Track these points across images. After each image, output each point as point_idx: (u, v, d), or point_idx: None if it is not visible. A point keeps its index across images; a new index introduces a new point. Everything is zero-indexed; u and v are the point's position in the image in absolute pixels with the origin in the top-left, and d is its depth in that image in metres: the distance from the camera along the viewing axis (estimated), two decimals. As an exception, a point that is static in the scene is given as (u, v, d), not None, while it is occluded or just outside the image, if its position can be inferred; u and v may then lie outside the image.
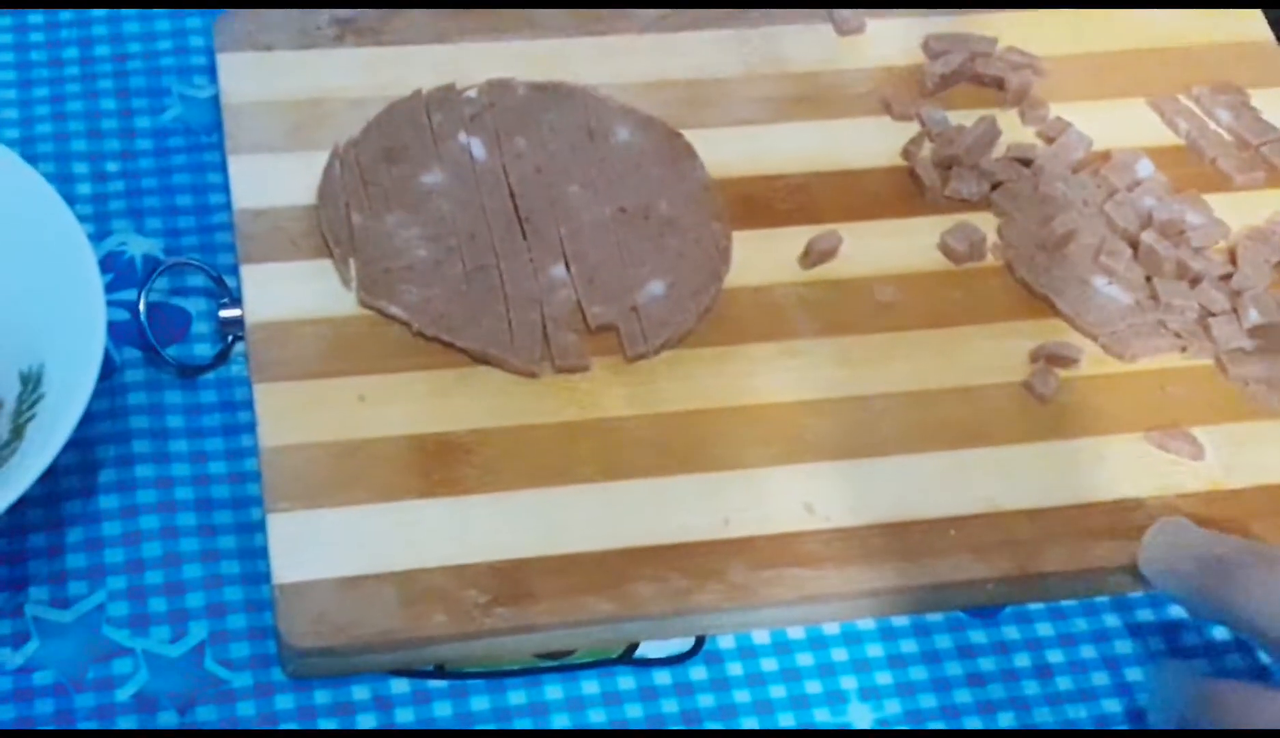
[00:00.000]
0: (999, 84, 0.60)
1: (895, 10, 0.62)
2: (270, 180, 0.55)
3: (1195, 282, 0.55)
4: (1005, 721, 0.49)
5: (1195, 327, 0.54)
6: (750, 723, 0.48)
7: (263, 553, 0.49)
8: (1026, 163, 0.58)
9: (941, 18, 0.62)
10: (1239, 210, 0.58)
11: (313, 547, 0.48)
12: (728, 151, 0.58)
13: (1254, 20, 0.63)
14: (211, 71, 0.59)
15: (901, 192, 0.58)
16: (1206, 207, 0.57)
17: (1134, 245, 0.56)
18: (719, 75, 0.60)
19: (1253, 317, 0.54)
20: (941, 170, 0.57)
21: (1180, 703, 0.47)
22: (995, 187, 0.57)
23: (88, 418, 0.48)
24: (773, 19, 0.61)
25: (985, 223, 0.57)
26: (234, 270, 0.54)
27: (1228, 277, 0.56)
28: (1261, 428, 0.53)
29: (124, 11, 0.61)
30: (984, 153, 0.58)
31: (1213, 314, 0.54)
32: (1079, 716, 0.49)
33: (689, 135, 0.58)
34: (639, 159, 0.57)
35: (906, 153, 0.58)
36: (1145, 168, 0.58)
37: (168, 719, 0.47)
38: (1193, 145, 0.60)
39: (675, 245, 0.55)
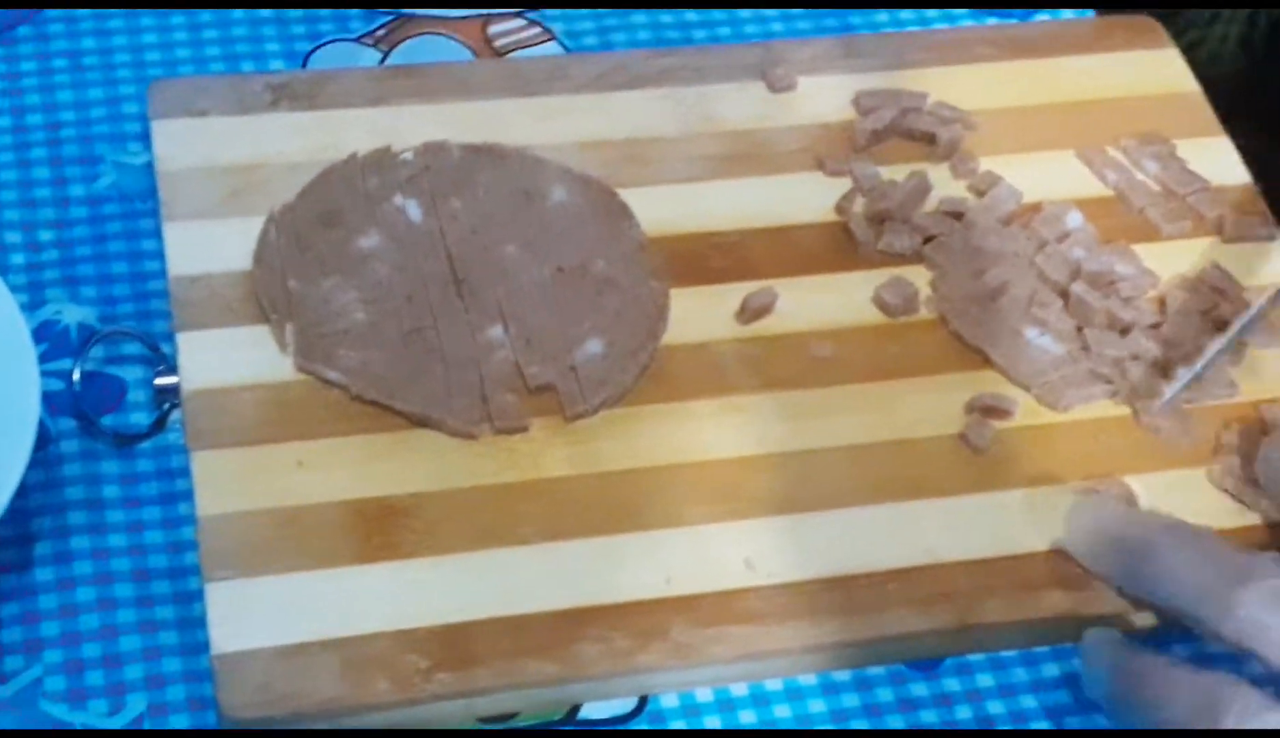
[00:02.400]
0: (930, 139, 0.61)
1: (827, 69, 0.62)
2: (206, 246, 0.55)
3: (1126, 331, 0.56)
4: (948, 773, 0.49)
5: (1124, 376, 0.55)
6: (695, 782, 0.48)
7: (201, 623, 0.48)
8: (958, 216, 0.59)
9: (873, 74, 0.63)
10: (1168, 259, 0.59)
11: (252, 615, 0.48)
12: (664, 210, 0.58)
13: (1179, 71, 0.64)
14: (146, 138, 0.59)
15: (836, 247, 0.58)
16: (1135, 257, 0.58)
17: (1065, 296, 0.56)
18: (654, 134, 0.60)
19: (1180, 374, 0.55)
20: (874, 225, 0.58)
21: (1107, 674, 0.47)
22: (928, 240, 0.58)
23: (22, 490, 0.48)
24: (706, 77, 0.62)
25: (919, 276, 0.57)
26: (170, 338, 0.54)
27: (1157, 325, 0.56)
28: (1185, 476, 0.53)
29: (57, 79, 0.61)
30: (915, 207, 0.58)
31: (1136, 359, 0.55)
32: (1021, 766, 0.49)
33: (625, 194, 0.58)
34: (575, 219, 0.57)
35: (840, 208, 0.59)
36: (1075, 219, 0.59)
37: (106, 794, 0.46)
38: (1121, 196, 0.60)
39: (613, 304, 0.55)
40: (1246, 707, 0.44)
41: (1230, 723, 0.44)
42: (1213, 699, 0.45)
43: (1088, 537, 0.50)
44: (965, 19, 0.67)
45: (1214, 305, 0.57)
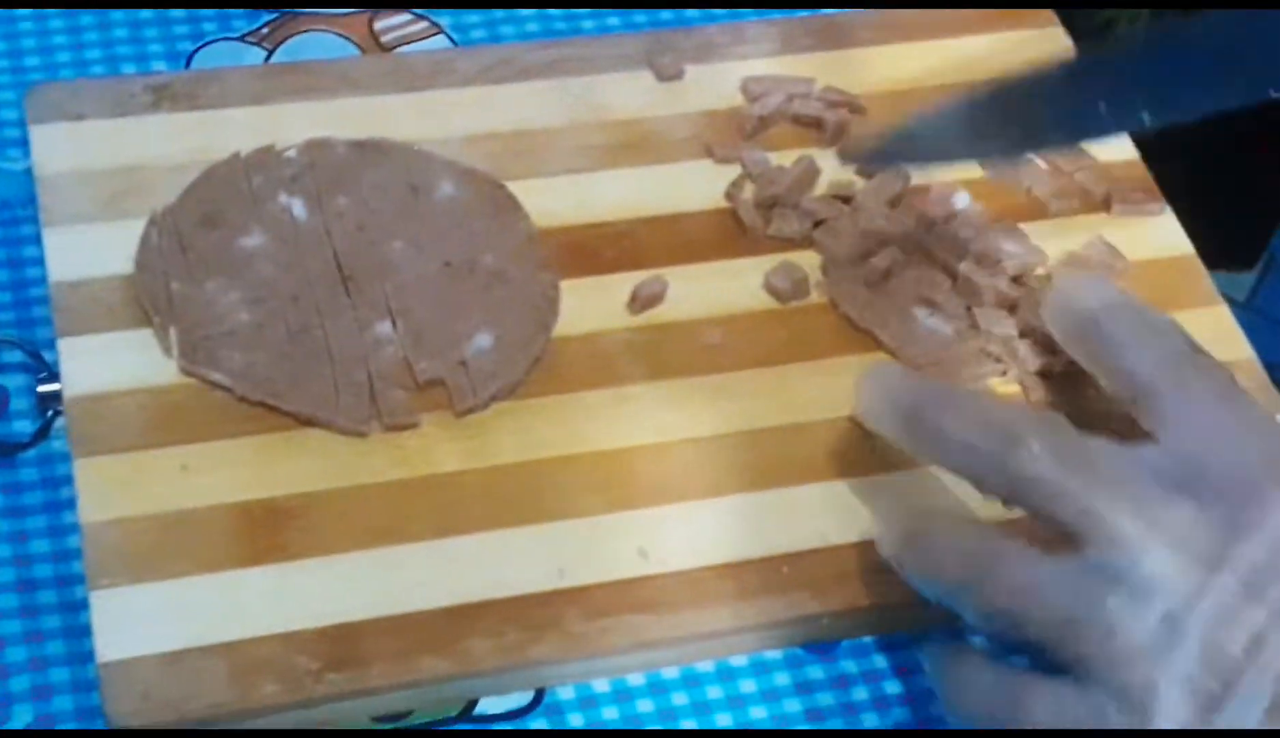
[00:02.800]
0: (817, 124, 0.61)
1: (714, 56, 0.62)
2: (87, 251, 0.55)
3: (1014, 308, 0.56)
4: (845, 754, 0.49)
5: (1013, 354, 0.55)
6: (591, 773, 0.48)
7: (88, 631, 0.48)
8: (846, 200, 0.59)
9: (759, 61, 0.63)
10: (1056, 236, 0.59)
11: (137, 622, 0.47)
12: (553, 201, 0.58)
13: (1065, 49, 0.65)
14: (25, 143, 0.58)
15: (725, 234, 0.58)
16: (1023, 235, 0.58)
17: (953, 276, 0.57)
18: (542, 126, 0.60)
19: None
20: (764, 211, 0.58)
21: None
22: (817, 225, 0.58)
23: (-100, 503, 0.47)
24: (594, 67, 0.62)
25: (809, 261, 0.57)
26: (52, 344, 0.53)
27: None
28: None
29: (-67, 85, 0.60)
30: (804, 192, 0.58)
31: (1024, 335, 0.55)
32: (918, 745, 0.49)
33: (514, 187, 0.58)
34: (463, 213, 0.57)
35: (729, 195, 0.59)
36: (962, 199, 0.59)
37: (-8, 809, 0.45)
38: (1008, 175, 0.61)
39: (502, 297, 0.55)
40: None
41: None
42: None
43: (873, 403, 0.50)
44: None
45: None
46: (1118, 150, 0.62)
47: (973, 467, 0.47)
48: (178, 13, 0.63)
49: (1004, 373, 0.55)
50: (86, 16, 0.63)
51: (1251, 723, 0.42)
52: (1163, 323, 0.49)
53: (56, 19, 0.62)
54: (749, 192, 0.59)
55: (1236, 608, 0.43)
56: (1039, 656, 0.46)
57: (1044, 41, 0.65)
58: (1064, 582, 0.45)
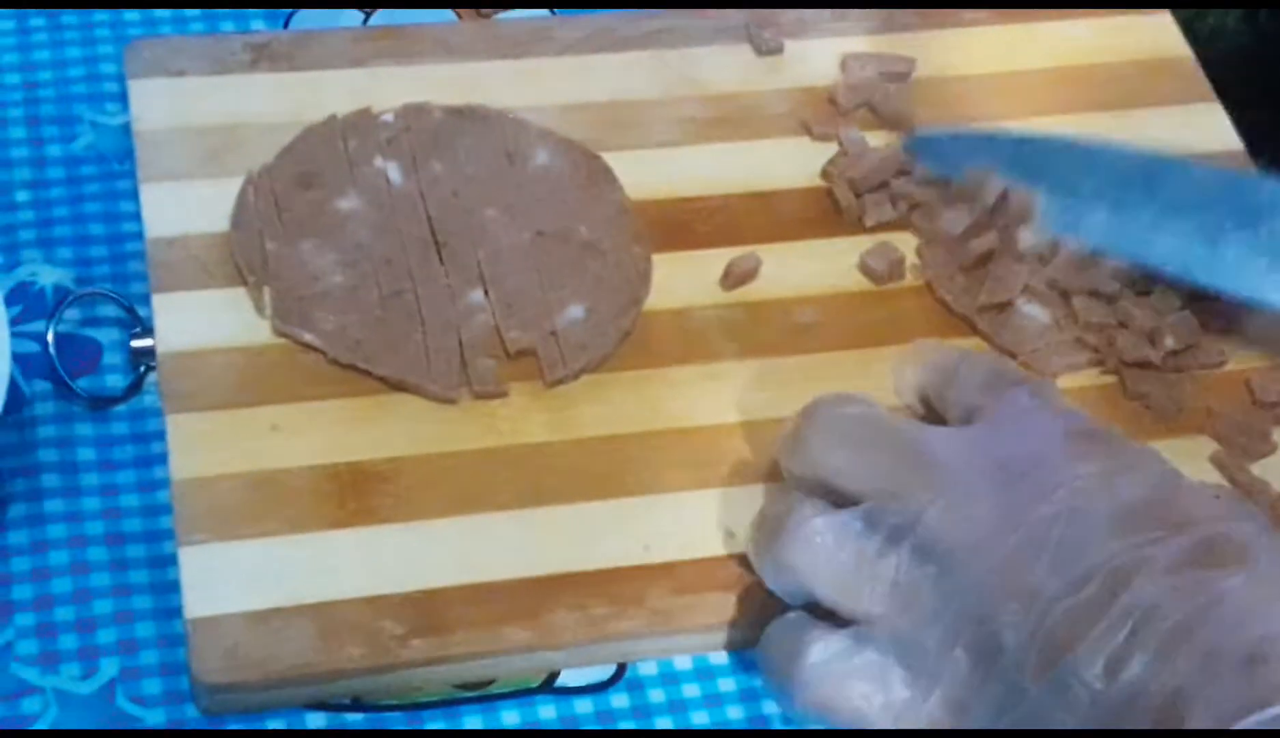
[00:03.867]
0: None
1: (814, 32, 0.62)
2: (183, 208, 0.55)
3: (1113, 299, 0.55)
4: None
5: (1110, 344, 0.54)
6: (671, 751, 0.48)
7: (175, 587, 0.48)
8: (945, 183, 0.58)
9: (860, 37, 0.62)
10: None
11: (226, 580, 0.47)
12: (647, 174, 0.57)
13: (1173, 36, 0.64)
14: (124, 98, 0.58)
15: (821, 212, 0.57)
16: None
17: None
18: (637, 97, 0.59)
19: (1169, 343, 0.54)
20: (858, 195, 0.57)
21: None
22: (914, 207, 0.57)
23: (-5, 452, 0.48)
24: (691, 40, 0.61)
25: (906, 243, 0.57)
26: (146, 300, 0.53)
27: (1147, 292, 0.56)
28: (1174, 445, 0.53)
29: (35, 37, 0.60)
30: (887, 176, 0.57)
31: (1124, 326, 0.54)
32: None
33: (608, 158, 0.58)
34: (557, 182, 0.57)
35: (825, 173, 0.58)
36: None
37: (77, 759, 0.46)
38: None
39: (594, 269, 0.55)
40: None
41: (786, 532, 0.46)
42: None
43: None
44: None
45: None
46: (1223, 141, 0.61)
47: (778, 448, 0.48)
48: (278, -29, 0.63)
49: (1100, 363, 0.54)
50: (188, -27, 0.63)
51: (1026, 680, 0.42)
52: (1007, 364, 0.52)
53: (158, -25, 0.63)
54: (845, 172, 0.58)
55: (1016, 566, 0.43)
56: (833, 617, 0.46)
57: (1150, 29, 0.64)
58: (844, 535, 0.45)
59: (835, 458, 0.47)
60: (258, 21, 0.62)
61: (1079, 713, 0.41)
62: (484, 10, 0.63)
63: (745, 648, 0.49)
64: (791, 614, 0.47)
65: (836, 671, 0.45)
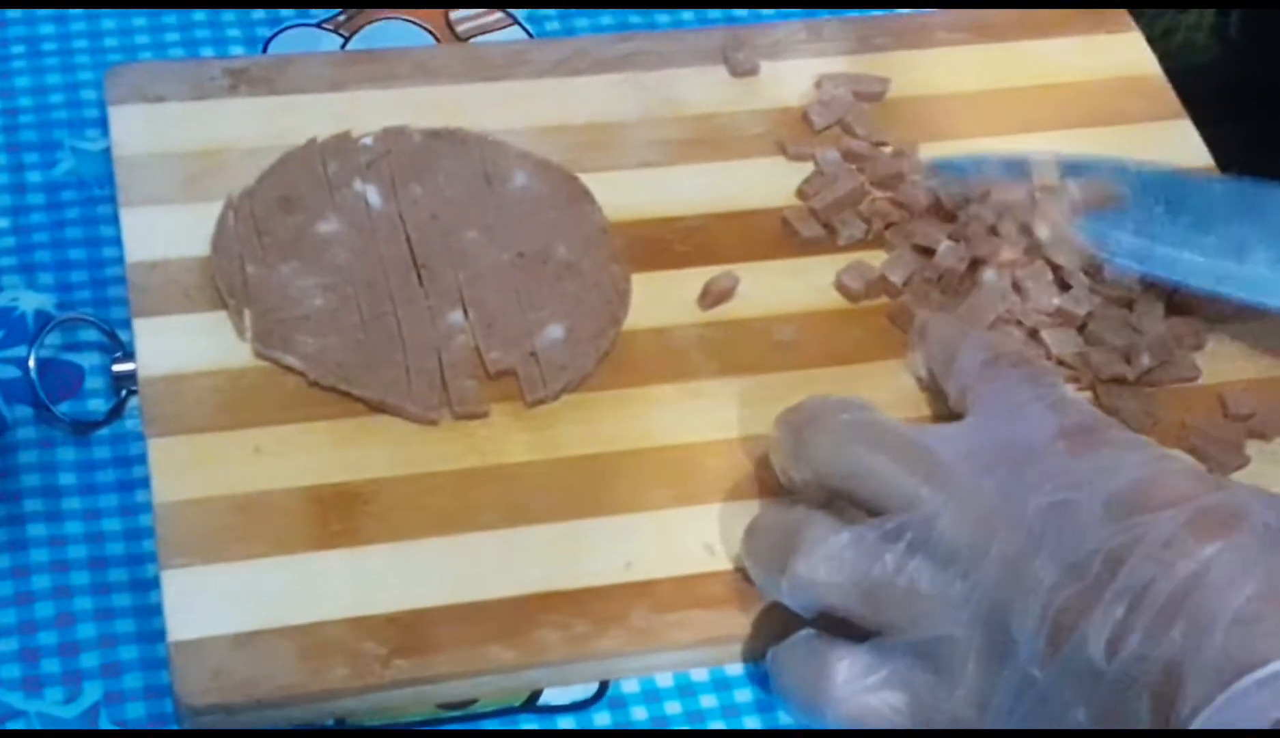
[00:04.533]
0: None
1: (789, 53, 0.62)
2: (164, 232, 0.55)
3: (1083, 327, 0.55)
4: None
5: (1086, 363, 0.55)
6: (655, 767, 0.48)
7: (158, 610, 0.48)
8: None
9: (835, 58, 0.62)
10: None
11: (208, 602, 0.48)
12: (625, 195, 0.58)
13: (1142, 54, 0.64)
14: (104, 124, 0.58)
15: (797, 231, 0.58)
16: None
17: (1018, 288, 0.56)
18: (615, 119, 0.60)
19: (1145, 361, 0.55)
20: (825, 217, 0.58)
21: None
22: (889, 226, 0.58)
23: (-23, 478, 0.48)
24: (668, 61, 0.62)
25: (882, 260, 0.57)
26: (127, 324, 0.54)
27: (1128, 303, 0.56)
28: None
29: (14, 64, 0.61)
30: (856, 201, 0.58)
31: (1094, 344, 0.55)
32: None
33: (586, 179, 0.58)
34: (536, 204, 0.57)
35: (801, 193, 0.59)
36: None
37: (62, 783, 0.46)
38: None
39: (574, 289, 0.55)
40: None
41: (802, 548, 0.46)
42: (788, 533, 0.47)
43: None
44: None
45: (1174, 291, 0.57)
46: (1194, 157, 0.62)
47: (777, 454, 0.49)
48: (255, -2, 0.64)
49: (1076, 379, 0.55)
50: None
51: (1035, 669, 0.43)
52: (984, 338, 0.52)
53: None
54: (816, 199, 0.58)
55: (1022, 562, 0.44)
56: (851, 629, 0.46)
57: (1120, 47, 0.64)
58: (863, 549, 0.46)
59: (846, 463, 0.47)
60: (237, 47, 0.63)
61: (1084, 694, 0.41)
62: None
63: (727, 664, 0.50)
64: (801, 635, 0.47)
65: (865, 686, 0.45)
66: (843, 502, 0.47)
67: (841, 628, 0.47)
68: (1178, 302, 0.56)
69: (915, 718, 0.45)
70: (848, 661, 0.46)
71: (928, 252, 0.56)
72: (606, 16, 0.65)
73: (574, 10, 0.65)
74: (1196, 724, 0.39)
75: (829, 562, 0.46)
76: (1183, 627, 0.41)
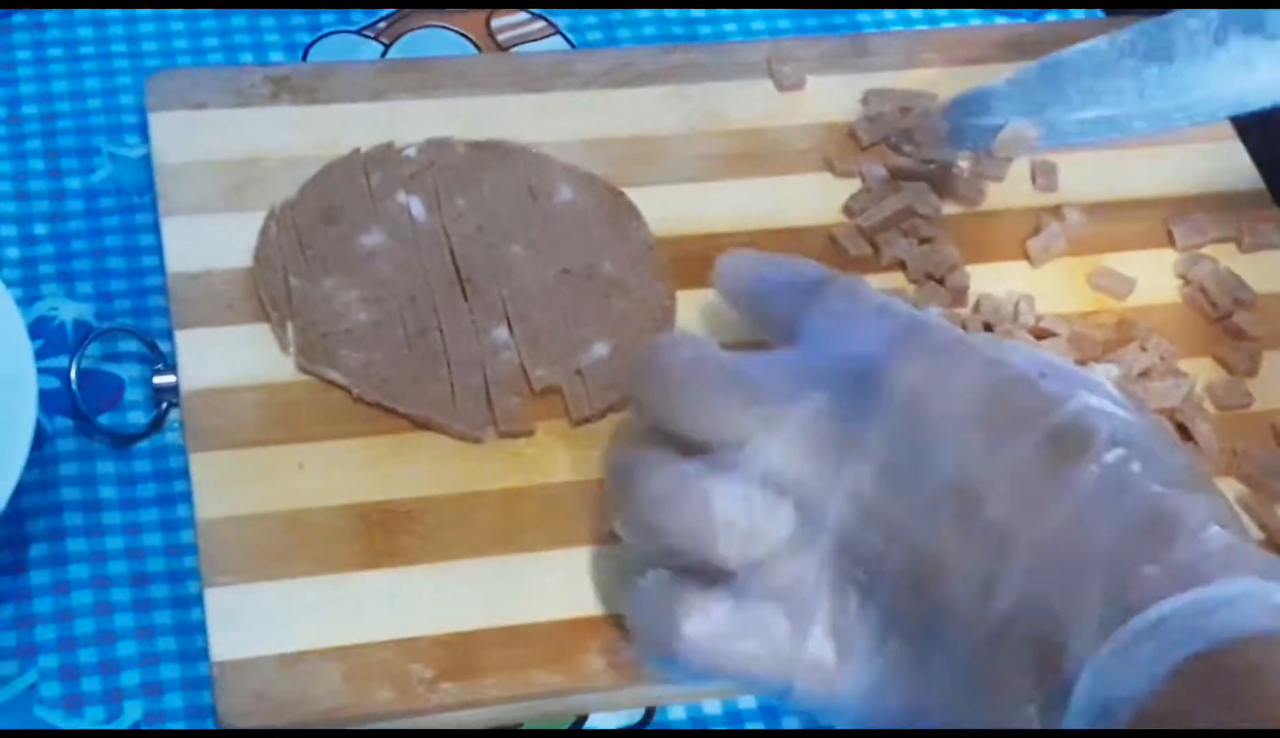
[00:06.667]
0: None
1: (835, 68, 0.61)
2: (205, 243, 0.54)
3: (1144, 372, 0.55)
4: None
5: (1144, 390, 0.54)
6: (702, 795, 0.47)
7: (200, 628, 0.47)
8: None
9: (881, 73, 0.62)
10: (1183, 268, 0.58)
11: (252, 622, 0.47)
12: (670, 210, 0.57)
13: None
14: (143, 130, 0.58)
15: (845, 248, 0.57)
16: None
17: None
18: (660, 133, 0.59)
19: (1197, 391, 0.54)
20: (869, 237, 0.57)
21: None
22: (924, 242, 0.57)
23: (18, 490, 0.47)
24: (713, 75, 0.61)
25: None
26: (168, 335, 0.53)
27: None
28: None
29: (53, 68, 0.60)
30: (903, 219, 0.57)
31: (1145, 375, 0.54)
32: None
33: (631, 194, 0.57)
34: (582, 219, 0.56)
35: (848, 210, 0.58)
36: (1075, 218, 0.58)
37: (103, 804, 0.45)
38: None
39: (619, 306, 0.55)
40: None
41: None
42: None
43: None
44: (974, 18, 0.66)
45: (1229, 312, 0.56)
46: (1244, 179, 0.61)
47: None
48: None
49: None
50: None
51: (902, 603, 0.40)
52: (807, 264, 0.47)
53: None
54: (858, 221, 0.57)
55: (871, 492, 0.41)
56: (693, 572, 0.43)
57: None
58: (693, 486, 0.42)
59: (670, 404, 0.43)
60: (276, 53, 0.62)
61: (964, 628, 0.39)
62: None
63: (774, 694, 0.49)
64: (652, 574, 0.43)
65: (718, 634, 0.42)
66: (681, 444, 0.43)
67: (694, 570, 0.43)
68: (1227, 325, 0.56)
69: (777, 666, 0.42)
70: (700, 612, 0.42)
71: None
72: (649, 26, 0.65)
73: (617, 18, 0.64)
74: (1085, 676, 0.37)
75: (665, 502, 0.42)
76: (1054, 575, 0.38)
